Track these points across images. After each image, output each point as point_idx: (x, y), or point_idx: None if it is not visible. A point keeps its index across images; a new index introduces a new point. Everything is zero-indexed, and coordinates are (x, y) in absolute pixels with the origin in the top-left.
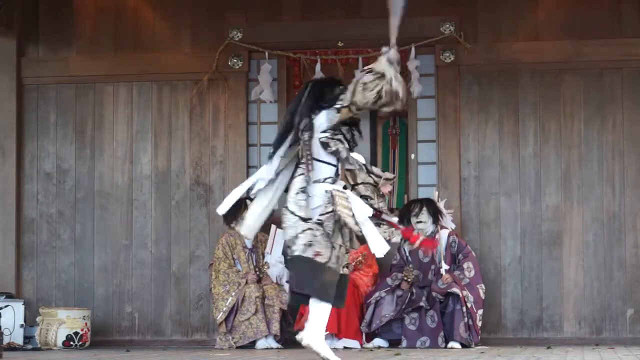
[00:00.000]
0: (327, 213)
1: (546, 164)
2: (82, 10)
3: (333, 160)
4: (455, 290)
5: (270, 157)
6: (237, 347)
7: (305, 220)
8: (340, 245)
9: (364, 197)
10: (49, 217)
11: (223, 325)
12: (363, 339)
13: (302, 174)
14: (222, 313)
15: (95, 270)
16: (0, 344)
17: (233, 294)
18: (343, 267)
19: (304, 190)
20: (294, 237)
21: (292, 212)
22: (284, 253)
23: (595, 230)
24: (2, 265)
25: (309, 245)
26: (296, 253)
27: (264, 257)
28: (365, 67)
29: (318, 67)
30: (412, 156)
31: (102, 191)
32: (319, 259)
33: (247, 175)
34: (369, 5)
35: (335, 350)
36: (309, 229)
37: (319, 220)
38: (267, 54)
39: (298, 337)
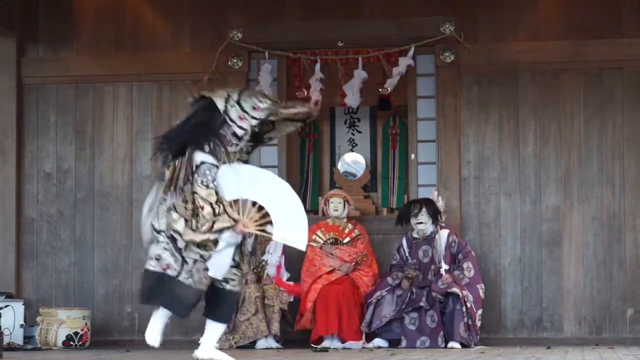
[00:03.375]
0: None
1: (546, 164)
2: (82, 10)
3: None
4: (455, 290)
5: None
6: (237, 347)
7: (158, 232)
8: (196, 260)
9: None
10: (49, 217)
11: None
12: (363, 339)
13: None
14: None
15: (95, 270)
16: (0, 344)
17: None
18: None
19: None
20: (148, 248)
21: (152, 225)
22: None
23: (595, 230)
24: (2, 265)
25: (157, 259)
26: (150, 268)
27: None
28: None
29: (318, 67)
30: (412, 156)
31: (102, 191)
32: (169, 272)
33: None
34: (369, 5)
35: (335, 350)
36: (165, 242)
37: (169, 234)
38: (267, 54)
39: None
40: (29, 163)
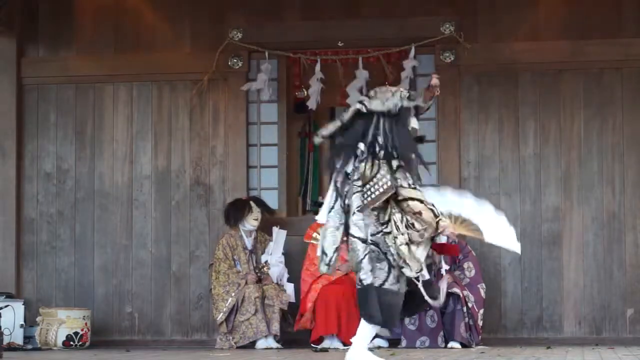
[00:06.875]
0: (379, 232)
1: (546, 164)
2: (82, 10)
3: None
4: (456, 290)
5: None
6: (237, 347)
7: (364, 242)
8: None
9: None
10: (49, 217)
11: (224, 325)
12: None
13: (357, 192)
14: (222, 314)
15: (95, 270)
16: (0, 344)
17: (233, 294)
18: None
19: (360, 209)
20: (358, 262)
21: (352, 235)
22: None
23: (595, 230)
24: (2, 265)
25: (371, 270)
26: (365, 283)
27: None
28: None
29: (318, 67)
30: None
31: (102, 191)
32: (376, 283)
33: (247, 175)
34: (369, 5)
35: (335, 350)
36: (371, 251)
37: (371, 240)
38: (267, 54)
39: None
40: (29, 163)
